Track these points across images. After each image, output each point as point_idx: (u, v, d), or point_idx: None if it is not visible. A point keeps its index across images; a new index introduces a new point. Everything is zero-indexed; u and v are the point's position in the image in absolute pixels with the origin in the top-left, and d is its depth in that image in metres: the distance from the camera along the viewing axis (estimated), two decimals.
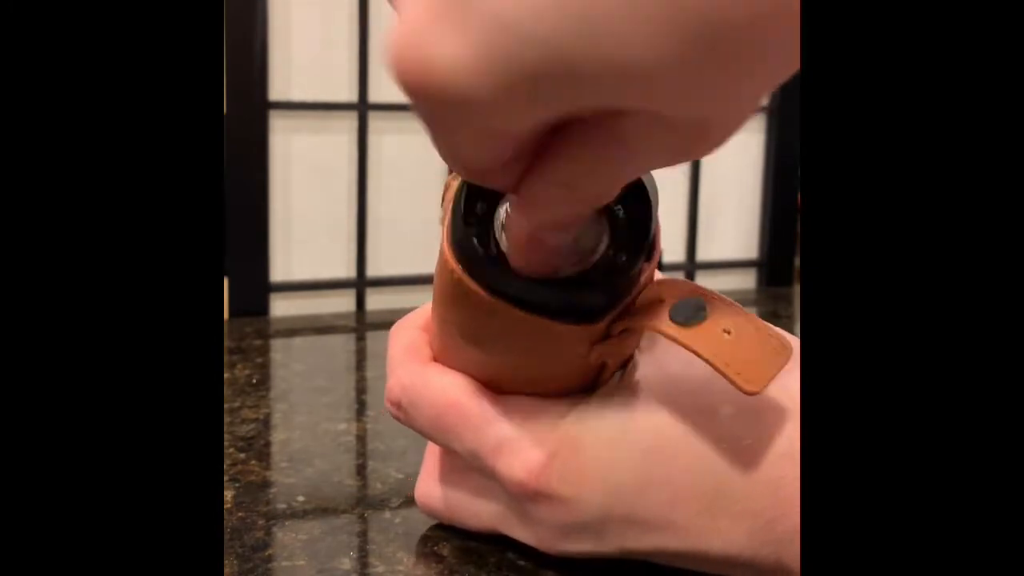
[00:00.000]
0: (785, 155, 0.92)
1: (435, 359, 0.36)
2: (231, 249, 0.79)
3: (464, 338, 0.33)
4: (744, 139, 0.92)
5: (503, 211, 0.33)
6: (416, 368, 0.35)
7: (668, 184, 0.90)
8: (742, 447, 0.31)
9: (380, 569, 0.37)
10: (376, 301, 0.84)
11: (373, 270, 0.84)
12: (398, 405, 0.36)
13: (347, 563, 0.37)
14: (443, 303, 0.33)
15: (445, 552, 0.38)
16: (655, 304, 0.30)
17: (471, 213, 0.32)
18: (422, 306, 0.38)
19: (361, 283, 0.83)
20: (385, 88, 0.82)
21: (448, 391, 0.34)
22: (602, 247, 0.31)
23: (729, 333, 0.29)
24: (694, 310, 0.30)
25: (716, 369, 0.29)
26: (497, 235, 0.32)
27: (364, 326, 0.79)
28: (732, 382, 0.28)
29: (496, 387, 0.34)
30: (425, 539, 0.39)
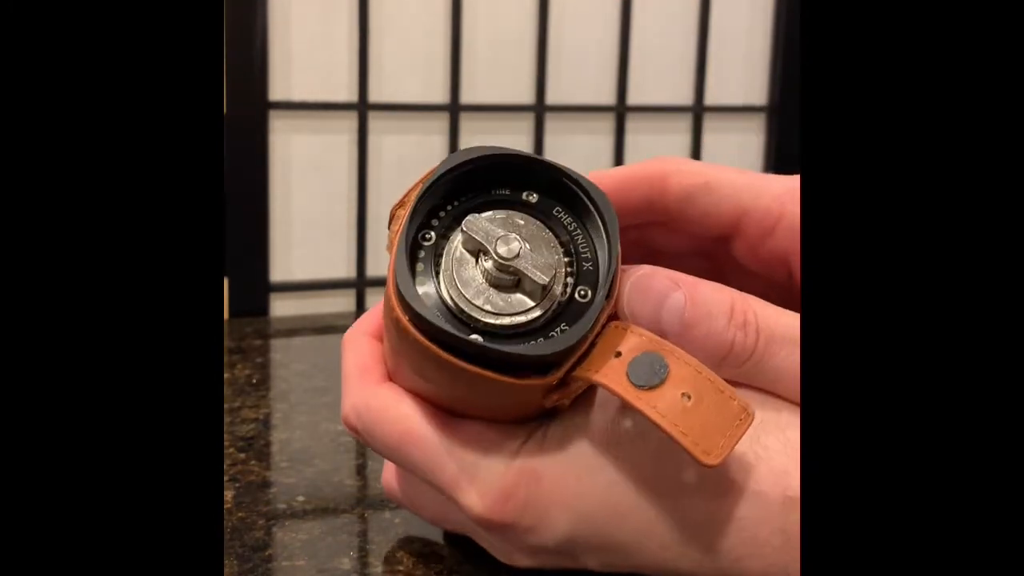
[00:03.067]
0: (785, 155, 0.92)
1: (389, 376, 0.34)
2: (231, 249, 0.79)
3: (413, 371, 0.31)
4: (744, 139, 0.92)
5: (457, 242, 0.31)
6: (368, 392, 0.33)
7: None
8: (706, 481, 0.30)
9: (380, 569, 0.37)
10: (376, 301, 0.84)
11: (373, 270, 0.84)
12: (354, 429, 0.34)
13: (347, 563, 0.37)
14: (390, 336, 0.32)
15: (445, 552, 0.38)
16: (612, 358, 0.29)
17: (418, 246, 0.31)
18: (374, 308, 0.37)
19: (361, 283, 0.83)
20: (385, 88, 0.82)
21: (402, 421, 0.32)
22: (559, 285, 0.30)
23: (689, 398, 0.27)
24: (652, 369, 0.28)
25: (672, 439, 0.27)
26: (444, 270, 0.31)
27: None
28: (689, 453, 0.27)
29: (450, 411, 0.32)
30: (425, 539, 0.39)
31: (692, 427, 0.27)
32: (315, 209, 0.82)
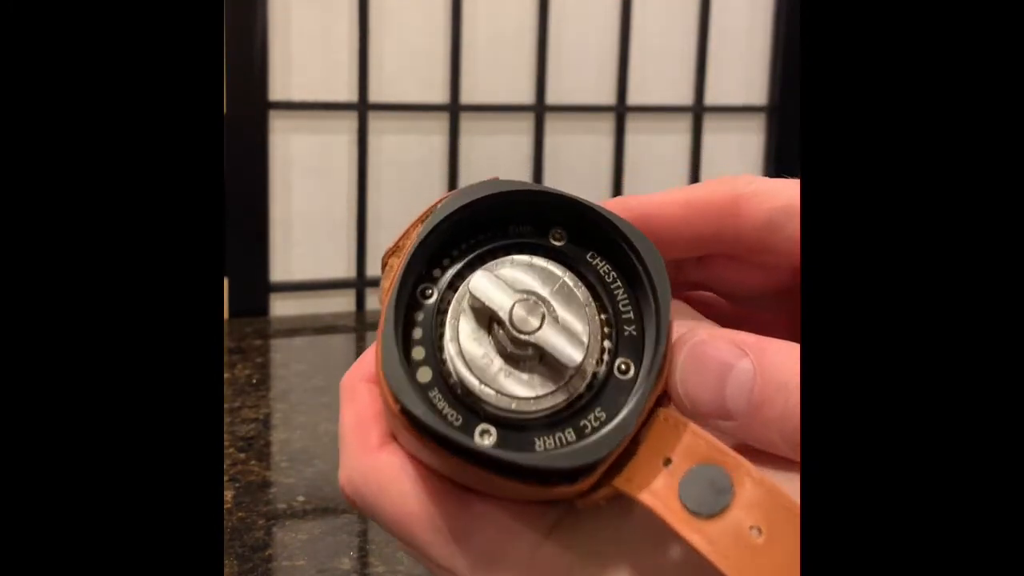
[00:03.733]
0: (785, 155, 0.92)
1: (391, 435, 0.28)
2: (231, 249, 0.79)
3: (413, 450, 0.26)
4: (744, 140, 0.92)
5: (465, 302, 0.25)
6: (367, 462, 0.28)
7: (667, 183, 0.90)
8: None
9: (380, 569, 0.37)
10: (376, 301, 0.84)
11: (373, 270, 0.84)
12: (353, 502, 0.29)
13: (347, 563, 0.37)
14: (383, 405, 0.26)
15: None
16: (660, 467, 0.23)
17: (415, 306, 0.25)
18: (373, 347, 0.30)
19: (361, 283, 0.83)
20: (385, 88, 0.82)
21: (406, 501, 0.27)
22: (593, 357, 0.24)
23: (760, 532, 0.21)
24: (713, 489, 0.22)
25: None
26: (448, 337, 0.25)
27: (364, 326, 0.79)
28: None
29: (461, 485, 0.27)
30: None
31: (762, 572, 0.21)
32: (315, 209, 0.82)
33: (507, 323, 0.24)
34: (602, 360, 0.24)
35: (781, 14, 0.91)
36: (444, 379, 0.24)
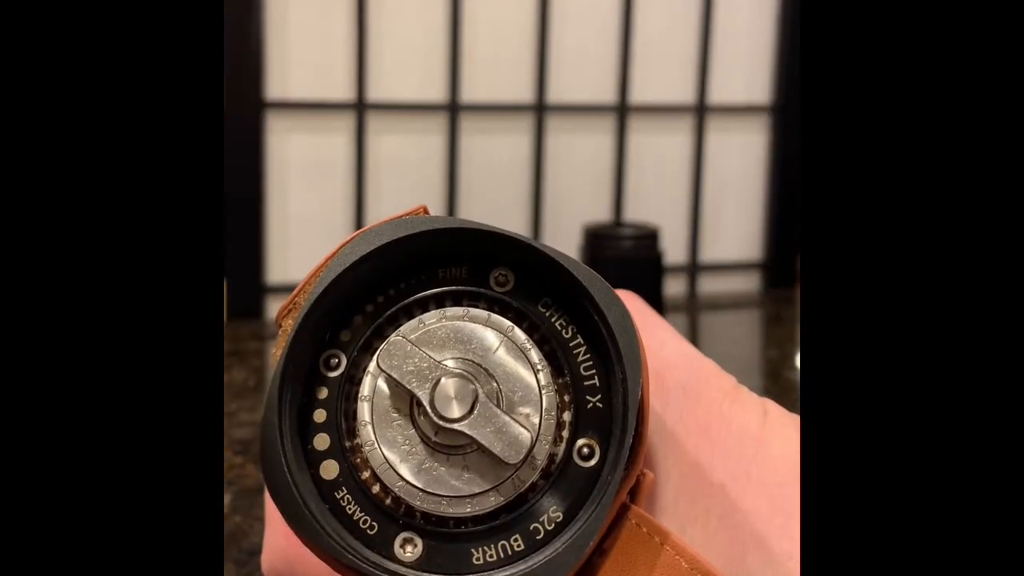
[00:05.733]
0: (787, 155, 0.92)
1: None
2: (227, 250, 0.78)
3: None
4: (747, 139, 0.92)
5: (380, 378, 0.20)
6: (293, 554, 0.24)
7: (669, 183, 0.90)
8: None
9: None
10: None
11: None
12: None
13: None
14: None
15: None
16: None
17: (317, 380, 0.20)
18: None
19: None
20: (383, 86, 0.81)
21: None
22: (545, 441, 0.19)
23: None
24: None
25: None
26: (361, 421, 0.19)
27: None
28: None
29: None
30: None
31: None
32: (312, 210, 0.81)
33: (428, 409, 0.19)
34: (560, 438, 0.19)
35: (784, 12, 0.91)
36: (355, 474, 0.20)
